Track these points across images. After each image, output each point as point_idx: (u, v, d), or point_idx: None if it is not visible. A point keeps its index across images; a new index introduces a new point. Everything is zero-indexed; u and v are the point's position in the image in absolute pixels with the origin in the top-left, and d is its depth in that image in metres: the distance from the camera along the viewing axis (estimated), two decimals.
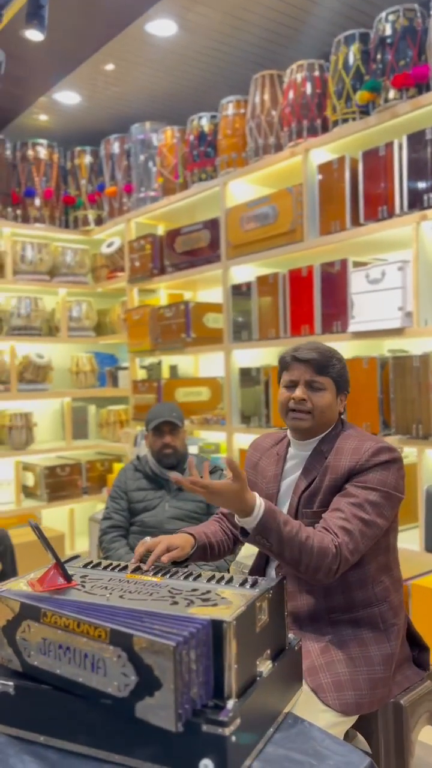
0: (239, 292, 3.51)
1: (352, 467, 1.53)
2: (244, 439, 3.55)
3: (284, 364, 1.66)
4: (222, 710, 1.12)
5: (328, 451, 1.60)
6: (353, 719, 1.43)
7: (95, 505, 4.64)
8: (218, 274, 3.66)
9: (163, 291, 4.48)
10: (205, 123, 3.76)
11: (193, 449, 3.97)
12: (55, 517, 4.57)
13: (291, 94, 3.17)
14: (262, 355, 3.62)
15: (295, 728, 1.29)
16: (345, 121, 2.94)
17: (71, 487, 4.50)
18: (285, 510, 1.64)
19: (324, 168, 3.01)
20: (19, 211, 4.56)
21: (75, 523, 4.68)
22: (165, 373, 4.33)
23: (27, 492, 4.55)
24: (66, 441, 4.70)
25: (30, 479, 4.51)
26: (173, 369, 4.36)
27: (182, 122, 4.01)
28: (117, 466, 4.67)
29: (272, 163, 3.28)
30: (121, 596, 1.29)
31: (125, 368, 4.49)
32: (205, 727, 1.09)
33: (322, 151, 3.09)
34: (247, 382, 3.46)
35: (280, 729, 1.28)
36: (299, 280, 3.15)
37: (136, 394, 4.17)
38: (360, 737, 1.54)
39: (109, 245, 4.58)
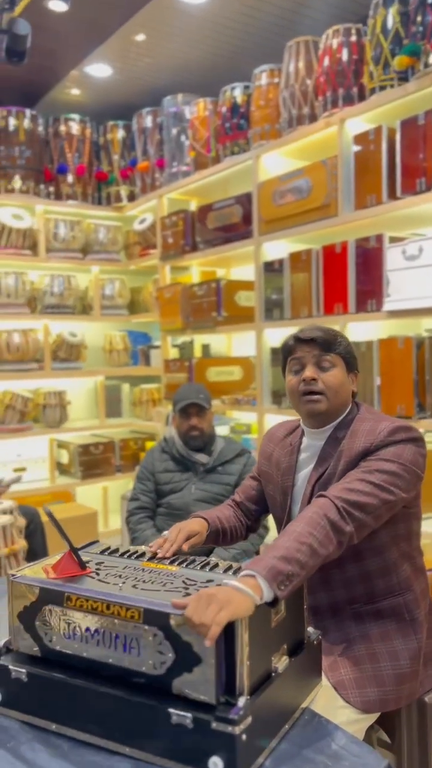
0: (271, 269, 3.42)
1: (367, 448, 1.45)
2: (275, 420, 3.47)
3: (288, 349, 1.58)
4: (233, 708, 1.08)
5: (344, 436, 1.52)
6: (375, 716, 1.38)
7: (128, 483, 4.66)
8: (250, 251, 3.57)
9: (196, 268, 4.42)
10: (238, 94, 3.65)
11: (224, 430, 3.93)
12: (88, 494, 4.61)
13: (326, 61, 3.04)
14: None
15: (312, 725, 1.24)
16: (383, 88, 2.80)
17: (105, 465, 4.53)
18: (299, 503, 1.58)
19: (360, 139, 2.88)
20: (51, 188, 4.54)
21: (108, 500, 4.72)
22: (197, 352, 4.28)
23: (61, 469, 4.59)
24: (99, 419, 4.72)
25: (64, 457, 4.55)
26: (205, 348, 4.31)
27: (215, 94, 3.90)
28: (150, 445, 4.67)
29: (306, 135, 3.16)
30: (134, 586, 1.26)
31: (157, 347, 4.46)
32: (214, 725, 1.06)
33: (358, 121, 2.95)
34: (279, 362, 3.38)
35: (296, 725, 1.24)
36: (333, 257, 3.05)
37: (167, 373, 4.14)
38: (381, 731, 1.49)
39: (142, 222, 4.53)
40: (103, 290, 4.70)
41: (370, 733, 1.49)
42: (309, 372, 1.51)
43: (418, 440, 1.46)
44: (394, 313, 2.76)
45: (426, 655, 1.47)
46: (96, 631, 1.17)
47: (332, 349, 1.52)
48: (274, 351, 3.45)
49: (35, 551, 2.92)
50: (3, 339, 4.17)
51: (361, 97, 2.97)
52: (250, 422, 3.79)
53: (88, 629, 1.18)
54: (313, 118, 3.19)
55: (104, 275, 4.78)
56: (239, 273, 4.32)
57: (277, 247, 3.48)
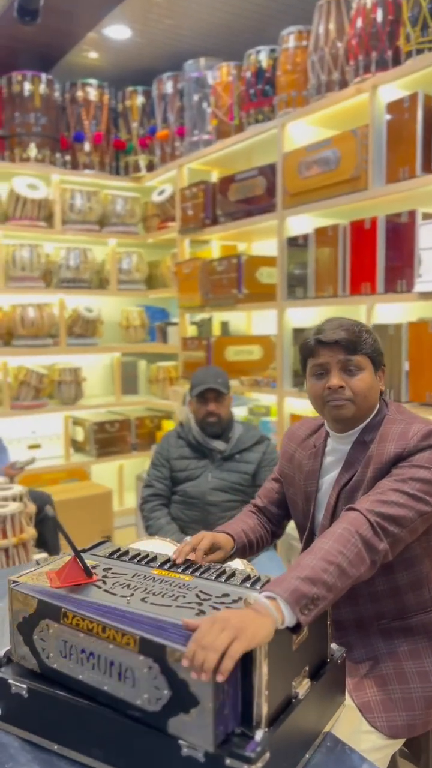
0: (295, 245, 3.26)
1: (399, 453, 1.32)
2: (295, 404, 3.36)
3: (308, 350, 1.43)
4: (250, 743, 0.98)
5: (372, 440, 1.39)
6: (402, 741, 1.28)
7: (144, 462, 4.58)
8: (273, 225, 3.41)
9: (216, 242, 4.26)
10: (263, 58, 3.45)
11: (242, 411, 3.82)
12: (103, 472, 4.55)
13: (359, 23, 2.83)
14: (317, 315, 3.39)
15: (335, 754, 1.14)
16: (420, 52, 2.60)
17: (120, 443, 4.45)
18: (323, 509, 1.46)
19: (394, 107, 2.69)
20: (68, 157, 4.38)
21: (124, 479, 4.65)
22: (216, 330, 4.15)
23: (76, 447, 4.52)
24: (115, 396, 4.63)
25: (80, 434, 4.48)
26: (224, 325, 4.17)
27: (239, 58, 3.70)
28: (166, 424, 4.58)
29: (336, 102, 2.97)
30: (143, 599, 1.16)
31: (175, 324, 4.33)
32: (228, 761, 0.96)
33: (391, 88, 2.76)
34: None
35: (318, 753, 1.14)
36: (361, 233, 2.88)
37: (185, 351, 4.02)
38: (405, 755, 1.39)
39: (160, 193, 4.36)
40: (120, 264, 4.56)
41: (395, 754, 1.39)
42: (335, 380, 1.38)
43: None
44: (426, 295, 2.60)
45: None
46: (92, 653, 1.07)
47: (358, 350, 1.38)
48: (296, 332, 3.30)
49: (45, 539, 2.85)
50: (17, 313, 4.07)
51: (396, 61, 2.76)
52: (270, 404, 3.67)
53: (83, 650, 1.08)
54: (343, 84, 2.99)
55: (121, 248, 4.64)
56: (261, 248, 4.16)
57: (302, 222, 3.32)
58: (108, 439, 4.40)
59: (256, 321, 4.23)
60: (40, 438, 4.38)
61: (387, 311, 2.88)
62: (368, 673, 1.31)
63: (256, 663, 1.00)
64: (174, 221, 4.25)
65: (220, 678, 0.92)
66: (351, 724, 1.23)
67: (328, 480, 1.48)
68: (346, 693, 1.27)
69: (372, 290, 2.83)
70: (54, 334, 4.27)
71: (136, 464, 4.64)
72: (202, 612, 1.11)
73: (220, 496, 2.45)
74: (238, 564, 1.64)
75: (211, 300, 3.79)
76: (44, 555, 2.30)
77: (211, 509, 2.44)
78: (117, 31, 3.88)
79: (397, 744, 1.28)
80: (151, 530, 2.47)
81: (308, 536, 1.52)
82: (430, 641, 1.36)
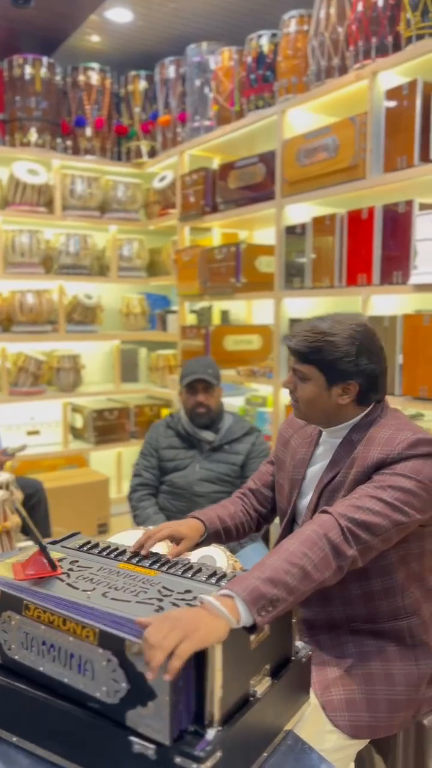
0: (294, 233, 3.22)
1: (383, 459, 1.28)
2: None
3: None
4: (201, 741, 0.97)
5: (359, 440, 1.36)
6: (365, 742, 1.27)
7: None
8: (273, 214, 3.37)
9: (217, 230, 4.22)
10: (264, 42, 3.39)
11: (238, 401, 3.80)
12: (102, 459, 4.55)
13: (360, 6, 2.77)
14: (314, 306, 3.35)
15: (294, 753, 1.14)
16: (420, 37, 2.54)
17: (119, 430, 4.45)
18: (307, 500, 1.44)
19: (393, 94, 2.63)
20: (69, 143, 4.34)
21: (122, 466, 4.66)
22: (215, 319, 4.12)
23: (75, 433, 4.53)
24: (115, 384, 4.62)
25: (78, 421, 4.48)
26: (224, 314, 4.14)
27: (242, 42, 3.64)
28: (165, 412, 4.56)
29: (335, 88, 2.91)
30: (104, 594, 1.16)
31: (175, 312, 4.31)
32: (178, 760, 0.95)
33: (391, 74, 2.70)
34: None
35: (277, 752, 1.13)
36: (359, 223, 2.84)
37: (183, 340, 4.00)
38: (376, 756, 1.38)
39: (161, 179, 4.32)
40: (121, 251, 4.53)
41: (361, 758, 1.38)
42: (286, 381, 1.44)
43: None
44: (421, 287, 2.56)
45: (427, 676, 1.34)
46: (52, 645, 1.07)
47: (306, 359, 1.37)
48: (292, 321, 3.27)
49: (36, 525, 2.85)
50: (16, 299, 4.06)
51: (397, 47, 2.70)
52: (267, 395, 3.65)
53: (44, 642, 1.08)
54: (343, 70, 2.93)
55: (122, 235, 4.61)
56: (263, 236, 4.12)
57: (301, 211, 3.27)
58: (107, 427, 4.41)
59: (256, 310, 4.20)
60: (39, 424, 4.39)
61: (383, 303, 2.84)
62: (335, 672, 1.30)
63: (209, 662, 0.99)
64: (175, 208, 4.21)
65: (167, 677, 0.91)
66: (315, 723, 1.22)
67: (314, 470, 1.46)
68: (312, 692, 1.26)
69: (368, 281, 2.79)
70: (53, 320, 4.26)
71: (134, 452, 4.62)
72: (161, 608, 1.10)
73: (208, 487, 2.44)
74: (221, 556, 1.63)
75: (210, 288, 3.76)
76: (30, 543, 2.30)
77: (198, 500, 2.43)
78: (119, 14, 3.82)
79: (360, 744, 1.27)
80: (138, 520, 2.47)
81: (288, 523, 1.50)
82: (399, 646, 1.34)
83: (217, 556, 1.63)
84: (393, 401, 2.65)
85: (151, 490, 2.53)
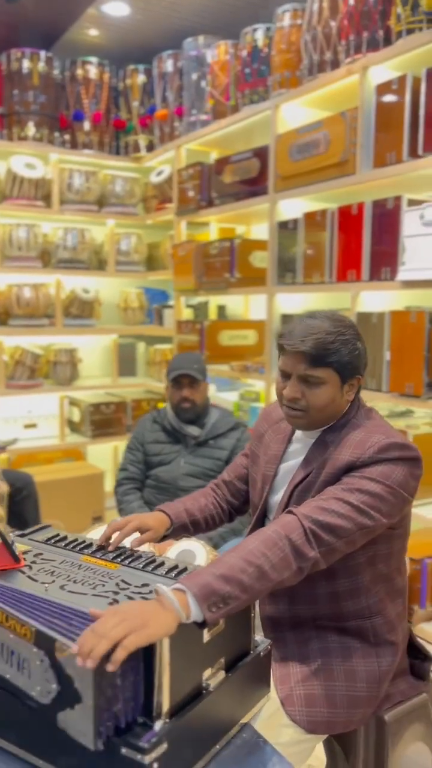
0: (286, 229, 3.21)
1: (352, 462, 1.27)
2: None
3: (279, 346, 1.37)
4: (147, 732, 0.99)
5: (333, 442, 1.34)
6: (322, 737, 1.28)
7: None
8: (266, 209, 3.36)
9: (214, 225, 4.22)
10: (259, 36, 3.38)
11: (232, 396, 3.81)
12: (99, 453, 4.58)
13: (351, 1, 2.75)
14: (306, 301, 3.35)
15: (247, 746, 1.15)
16: (410, 32, 2.52)
17: (116, 424, 4.47)
18: (278, 497, 1.44)
19: (383, 89, 2.62)
20: (67, 137, 4.35)
21: (119, 460, 4.67)
22: (212, 314, 4.13)
23: (72, 427, 4.55)
24: (112, 378, 4.64)
25: (76, 415, 4.51)
26: (221, 309, 4.15)
27: (237, 36, 3.62)
28: (162, 407, 4.58)
29: (327, 83, 2.90)
30: (62, 586, 1.17)
31: (171, 306, 4.31)
32: (124, 750, 0.96)
33: (382, 69, 2.69)
34: None
35: (231, 745, 1.14)
36: (349, 219, 2.83)
37: (179, 335, 4.01)
38: (338, 750, 1.39)
39: (159, 174, 4.32)
40: (119, 245, 4.54)
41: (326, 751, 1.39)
42: (289, 391, 1.33)
43: (412, 460, 1.27)
44: (409, 284, 2.56)
45: (389, 674, 1.35)
46: None
47: (323, 363, 1.29)
48: (284, 317, 3.27)
49: (26, 518, 2.88)
50: (13, 293, 4.09)
51: (387, 41, 2.69)
52: (261, 390, 3.65)
53: None
54: (335, 64, 2.92)
55: (120, 229, 4.62)
56: (260, 231, 4.11)
57: (293, 206, 3.27)
58: (104, 420, 4.42)
59: (253, 305, 4.20)
60: (36, 418, 4.42)
61: (372, 299, 2.84)
62: (296, 668, 1.31)
63: (157, 655, 1.00)
64: (172, 202, 4.21)
65: (111, 667, 0.92)
66: (273, 717, 1.23)
67: (286, 467, 1.46)
68: (273, 685, 1.27)
69: (357, 277, 2.78)
70: (50, 314, 4.28)
71: None
72: (115, 601, 1.12)
73: (192, 482, 2.45)
74: (201, 551, 1.64)
75: (205, 284, 3.77)
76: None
77: (183, 495, 2.43)
78: (116, 7, 3.82)
79: (318, 739, 1.28)
80: (123, 513, 2.49)
81: (258, 518, 1.51)
82: (363, 644, 1.34)
83: (197, 551, 1.63)
84: (380, 398, 2.65)
85: (136, 484, 2.55)
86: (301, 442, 1.45)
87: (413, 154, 2.52)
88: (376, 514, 1.22)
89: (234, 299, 4.19)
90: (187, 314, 4.19)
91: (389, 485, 1.24)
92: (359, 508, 1.21)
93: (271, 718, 1.23)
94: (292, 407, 1.35)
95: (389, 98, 2.58)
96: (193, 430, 2.51)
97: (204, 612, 1.03)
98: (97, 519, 4.06)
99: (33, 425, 4.39)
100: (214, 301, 4.14)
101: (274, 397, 3.36)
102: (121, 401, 4.49)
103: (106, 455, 4.61)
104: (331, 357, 1.30)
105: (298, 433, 1.46)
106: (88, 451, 4.52)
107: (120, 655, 0.92)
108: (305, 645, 1.35)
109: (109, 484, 4.44)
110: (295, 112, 3.21)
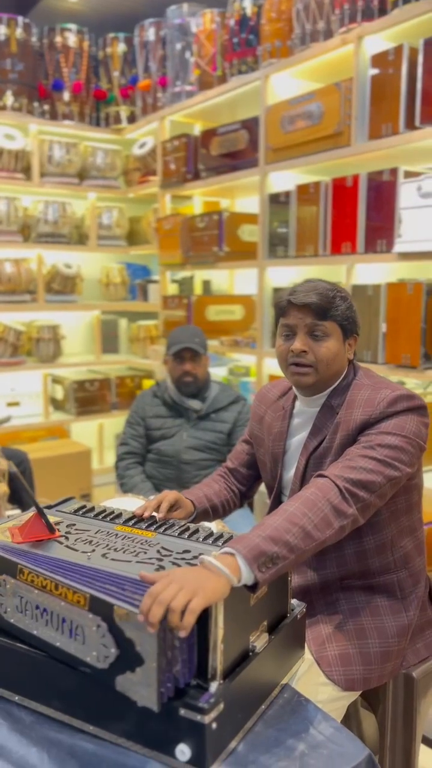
0: (277, 202, 3.20)
1: (366, 420, 1.32)
2: (275, 365, 3.34)
3: (280, 310, 1.43)
4: (204, 694, 1.00)
5: (339, 405, 1.39)
6: (357, 693, 1.32)
7: (124, 422, 4.58)
8: (256, 181, 3.34)
9: (198, 198, 4.17)
10: (248, 5, 3.32)
11: (222, 371, 3.81)
12: (83, 431, 4.54)
13: None
14: (298, 275, 3.36)
15: (291, 705, 1.17)
16: (406, 1, 2.51)
17: (100, 401, 4.43)
18: (292, 473, 1.46)
19: (378, 59, 2.61)
20: (46, 107, 4.23)
21: (104, 438, 4.65)
22: (197, 289, 4.10)
23: (56, 405, 4.50)
24: (95, 355, 4.59)
25: (59, 392, 4.45)
26: (206, 284, 4.12)
27: (223, 4, 3.56)
28: (147, 383, 4.55)
29: (320, 53, 2.87)
30: (104, 555, 1.17)
31: (156, 281, 4.27)
32: (183, 711, 0.98)
33: (377, 39, 2.67)
34: None
35: (274, 705, 1.17)
36: (343, 191, 2.83)
37: (165, 310, 3.98)
38: (364, 705, 1.43)
39: (141, 146, 4.25)
40: (100, 219, 4.47)
41: (349, 709, 1.43)
42: (299, 344, 1.38)
43: (420, 409, 1.33)
44: (405, 255, 2.58)
45: (414, 629, 1.39)
46: (45, 610, 1.08)
47: (327, 316, 1.37)
48: (275, 291, 3.27)
49: (21, 496, 2.84)
50: None
51: (383, 11, 2.67)
52: (250, 365, 3.66)
53: (38, 606, 1.09)
54: (328, 34, 2.89)
55: (101, 203, 4.54)
56: (245, 204, 4.09)
57: (285, 178, 3.25)
58: (88, 398, 4.38)
59: (238, 280, 4.19)
60: (19, 395, 4.35)
61: (367, 271, 2.86)
62: (328, 629, 1.34)
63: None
64: (155, 175, 4.15)
65: (183, 633, 0.93)
66: (309, 677, 1.26)
67: (295, 442, 1.48)
68: (306, 647, 1.30)
69: (352, 250, 2.79)
70: (32, 290, 4.20)
71: (116, 423, 4.63)
72: (161, 567, 1.12)
73: (195, 455, 2.46)
74: (212, 526, 1.65)
75: (192, 258, 3.74)
76: (17, 511, 2.30)
77: (186, 467, 2.45)
78: None
79: (353, 696, 1.31)
80: (125, 488, 2.48)
81: (275, 497, 1.53)
82: (390, 600, 1.38)
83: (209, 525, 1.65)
84: (376, 369, 2.67)
85: (137, 458, 2.54)
86: (305, 415, 1.48)
87: (410, 125, 2.53)
88: (401, 465, 1.28)
89: (219, 274, 4.17)
90: (171, 289, 4.15)
91: (405, 435, 1.30)
92: (385, 461, 1.26)
93: (308, 677, 1.25)
94: (299, 363, 1.39)
95: (385, 69, 2.57)
96: (194, 404, 2.51)
97: (255, 572, 1.04)
98: (85, 497, 4.04)
99: (16, 403, 4.32)
100: (199, 275, 4.12)
101: (265, 371, 3.37)
102: (104, 378, 4.45)
103: (90, 433, 4.58)
104: (335, 311, 1.37)
105: (299, 406, 1.49)
106: (73, 429, 4.49)
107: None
108: (334, 606, 1.38)
109: (96, 462, 4.42)
110: (286, 83, 3.18)
